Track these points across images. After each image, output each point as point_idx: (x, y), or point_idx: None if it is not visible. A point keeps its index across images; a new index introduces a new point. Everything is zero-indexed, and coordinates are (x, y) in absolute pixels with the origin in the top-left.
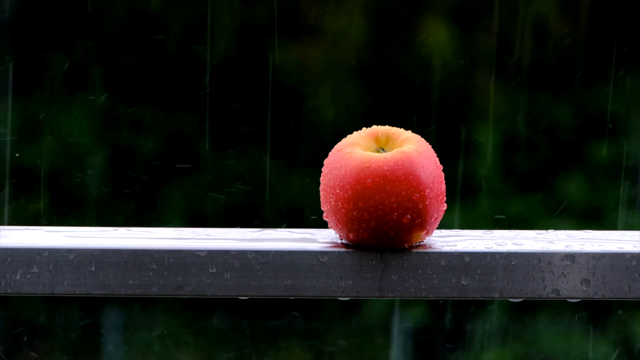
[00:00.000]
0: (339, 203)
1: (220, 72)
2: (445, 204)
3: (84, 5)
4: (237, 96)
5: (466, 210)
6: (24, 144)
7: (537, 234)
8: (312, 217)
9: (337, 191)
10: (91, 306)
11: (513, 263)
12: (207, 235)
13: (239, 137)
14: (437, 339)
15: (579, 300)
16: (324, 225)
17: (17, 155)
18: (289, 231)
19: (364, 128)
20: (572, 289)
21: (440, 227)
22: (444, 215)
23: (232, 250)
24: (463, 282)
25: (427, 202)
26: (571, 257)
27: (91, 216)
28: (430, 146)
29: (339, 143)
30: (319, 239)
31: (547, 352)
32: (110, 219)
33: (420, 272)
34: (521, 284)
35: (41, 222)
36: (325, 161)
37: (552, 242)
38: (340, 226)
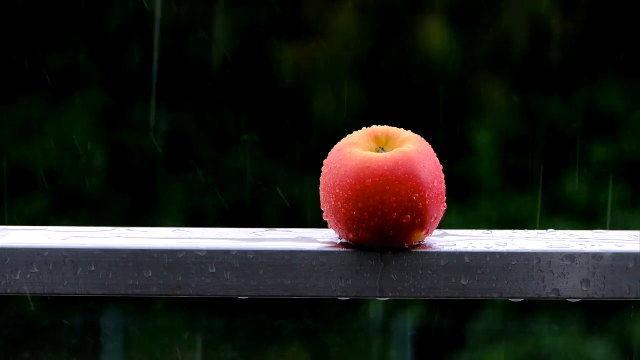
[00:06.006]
0: (339, 203)
1: (220, 72)
2: (445, 204)
3: (83, 4)
4: (237, 96)
5: (466, 210)
6: (24, 144)
7: (537, 234)
8: (312, 217)
9: (337, 191)
10: (91, 306)
11: (513, 263)
12: (207, 235)
13: (238, 137)
14: (436, 339)
15: (579, 300)
16: (323, 225)
17: (16, 154)
18: (289, 231)
19: (364, 128)
20: (572, 289)
21: (440, 227)
22: (444, 215)
23: (232, 250)
24: (463, 282)
25: (427, 202)
26: (571, 257)
27: (91, 216)
28: (430, 146)
29: (339, 143)
30: (319, 239)
31: (547, 352)
32: (109, 219)
33: (420, 272)
34: (521, 284)
35: (41, 222)
36: (325, 161)
37: (552, 242)
38: (340, 226)
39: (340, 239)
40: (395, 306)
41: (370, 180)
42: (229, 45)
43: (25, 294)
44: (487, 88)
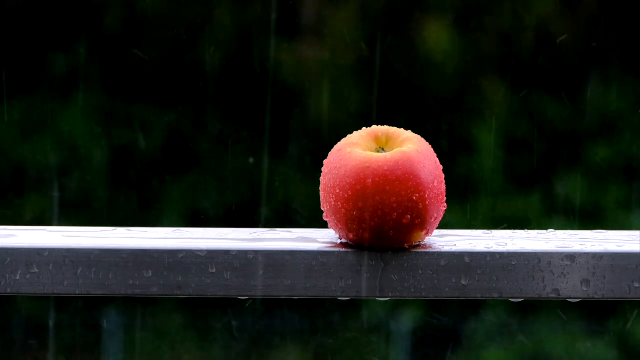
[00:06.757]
0: (339, 203)
1: (219, 72)
2: (446, 204)
3: (83, 3)
4: (237, 96)
5: (466, 210)
6: (23, 143)
7: (537, 234)
8: (312, 217)
9: (337, 191)
10: (91, 306)
11: (513, 263)
12: (207, 235)
13: (238, 137)
14: (436, 338)
15: (579, 300)
16: (324, 225)
17: (16, 155)
18: (289, 231)
19: (364, 128)
20: (572, 289)
21: (440, 227)
22: (444, 215)
23: (232, 250)
24: (463, 282)
25: (427, 202)
26: (571, 257)
27: (91, 216)
28: (430, 146)
29: (339, 143)
30: (319, 239)
31: (547, 352)
32: (109, 219)
33: (420, 272)
34: (521, 284)
35: (41, 222)
36: (325, 161)
37: (553, 242)
38: (340, 226)
39: (340, 239)
40: (395, 306)
41: (370, 180)
42: (229, 45)
43: (25, 294)
44: (488, 88)
